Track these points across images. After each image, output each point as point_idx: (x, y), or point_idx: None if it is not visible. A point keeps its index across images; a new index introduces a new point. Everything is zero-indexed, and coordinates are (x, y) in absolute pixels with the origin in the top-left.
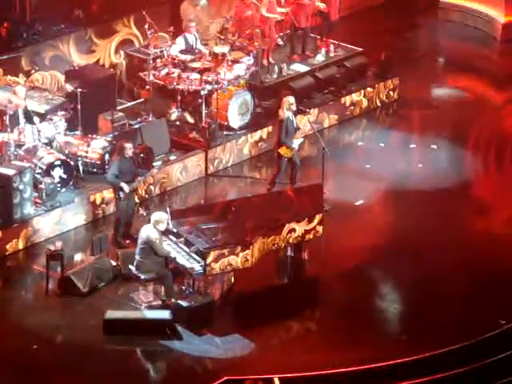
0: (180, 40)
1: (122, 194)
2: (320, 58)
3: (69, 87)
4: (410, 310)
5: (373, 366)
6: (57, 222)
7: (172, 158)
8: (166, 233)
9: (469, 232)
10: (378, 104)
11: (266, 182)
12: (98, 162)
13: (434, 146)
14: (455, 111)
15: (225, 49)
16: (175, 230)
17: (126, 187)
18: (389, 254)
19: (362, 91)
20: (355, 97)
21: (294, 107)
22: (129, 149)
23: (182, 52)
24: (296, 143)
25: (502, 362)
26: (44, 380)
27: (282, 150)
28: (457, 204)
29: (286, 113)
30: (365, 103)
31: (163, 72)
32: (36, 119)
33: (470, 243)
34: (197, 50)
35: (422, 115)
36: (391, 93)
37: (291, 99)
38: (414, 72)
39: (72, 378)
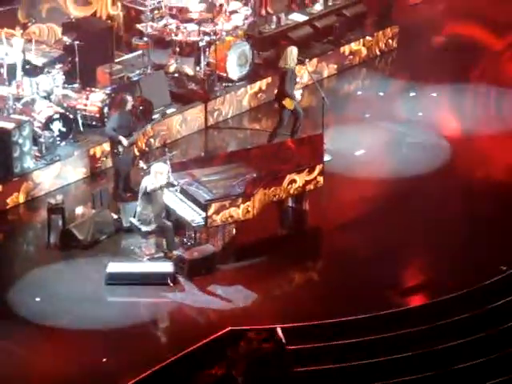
0: None
1: (120, 148)
2: (318, 7)
3: (66, 40)
4: (412, 259)
5: (374, 314)
6: (57, 175)
7: (171, 110)
8: (166, 185)
9: (470, 180)
10: (378, 53)
11: (267, 134)
12: (97, 115)
13: (434, 94)
14: (455, 58)
15: None
16: (176, 183)
17: (124, 141)
18: (390, 204)
19: (361, 40)
20: (354, 46)
21: (296, 58)
22: (129, 102)
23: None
24: (297, 94)
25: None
26: (47, 332)
27: (286, 102)
28: (458, 152)
29: (289, 64)
30: (364, 52)
31: (161, 23)
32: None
33: (471, 191)
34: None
35: (421, 63)
36: (390, 41)
37: (294, 50)
38: (414, 19)
39: (74, 330)
